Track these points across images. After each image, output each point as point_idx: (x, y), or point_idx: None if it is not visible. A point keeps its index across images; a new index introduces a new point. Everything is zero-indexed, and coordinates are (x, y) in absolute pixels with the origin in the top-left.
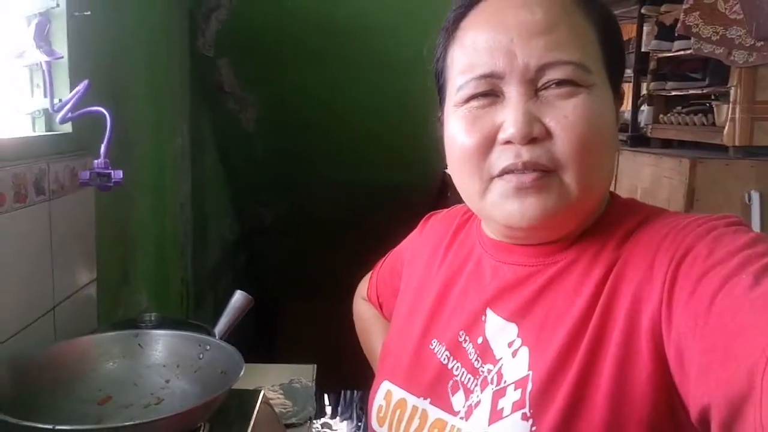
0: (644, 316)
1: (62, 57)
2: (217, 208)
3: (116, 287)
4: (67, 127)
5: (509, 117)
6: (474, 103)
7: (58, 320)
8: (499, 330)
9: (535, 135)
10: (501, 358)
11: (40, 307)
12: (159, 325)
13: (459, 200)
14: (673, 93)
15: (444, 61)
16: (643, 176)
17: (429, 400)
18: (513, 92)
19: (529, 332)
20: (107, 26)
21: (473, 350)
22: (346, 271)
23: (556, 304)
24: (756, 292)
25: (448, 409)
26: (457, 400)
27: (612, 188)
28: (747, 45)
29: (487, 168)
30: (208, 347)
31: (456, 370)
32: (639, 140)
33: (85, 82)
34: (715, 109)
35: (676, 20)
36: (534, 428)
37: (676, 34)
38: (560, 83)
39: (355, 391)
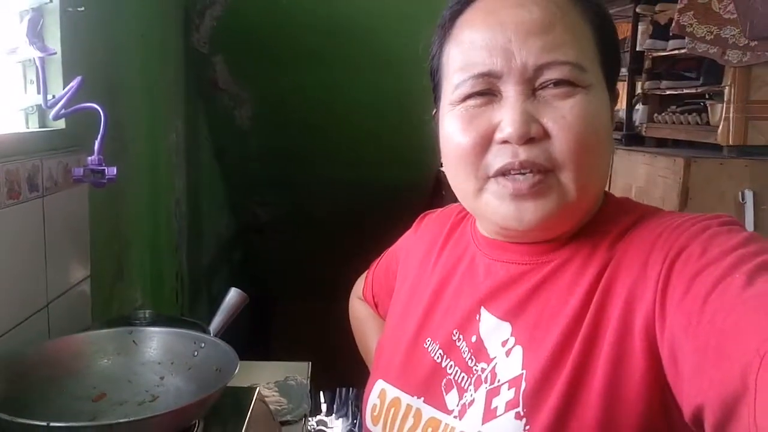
0: (638, 315)
1: (55, 53)
2: (212, 206)
3: (110, 284)
4: (61, 124)
5: (507, 116)
6: (471, 102)
7: (52, 317)
8: (492, 329)
9: (532, 135)
10: (495, 357)
11: (34, 304)
12: (153, 322)
13: (454, 199)
14: (668, 92)
15: (440, 58)
16: (637, 175)
17: (423, 398)
18: (510, 92)
19: (523, 331)
20: (101, 22)
21: (467, 349)
22: (343, 270)
23: (549, 303)
24: (749, 292)
25: (442, 407)
26: (451, 399)
27: (607, 187)
28: (741, 44)
29: (483, 167)
30: (202, 344)
31: (450, 368)
32: (634, 139)
33: (79, 78)
34: (709, 109)
35: (671, 19)
36: (527, 427)
37: (670, 34)
38: (558, 83)
39: (351, 389)
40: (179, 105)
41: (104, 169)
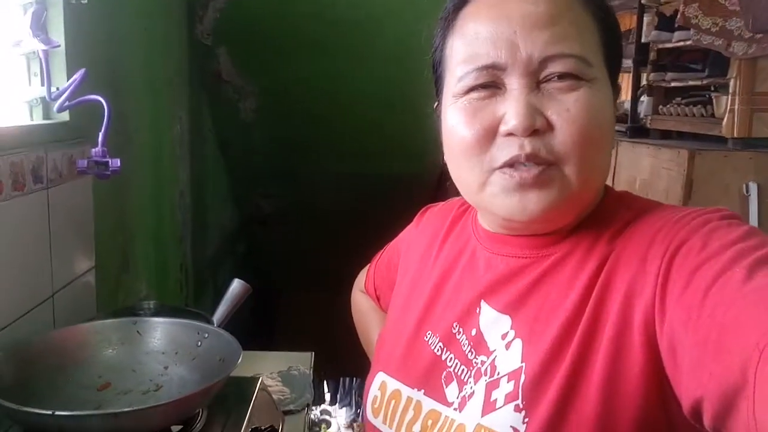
0: (637, 309)
1: (59, 45)
2: (216, 198)
3: (115, 275)
4: (65, 116)
5: (511, 109)
6: (474, 95)
7: (57, 308)
8: (492, 322)
9: (537, 127)
10: (494, 350)
11: (39, 295)
12: (158, 313)
13: (457, 191)
14: (673, 84)
15: (443, 50)
16: (641, 167)
17: (423, 391)
18: (515, 84)
19: (523, 324)
20: (104, 14)
21: (467, 342)
22: (346, 261)
23: (549, 297)
24: (749, 286)
25: (442, 400)
26: (451, 392)
27: (611, 179)
28: (746, 36)
29: (488, 160)
30: (206, 335)
31: (450, 361)
32: (638, 131)
33: (82, 70)
34: (714, 101)
35: (676, 11)
36: (527, 420)
37: (676, 25)
38: (562, 76)
39: (354, 379)
40: (183, 97)
41: (108, 161)
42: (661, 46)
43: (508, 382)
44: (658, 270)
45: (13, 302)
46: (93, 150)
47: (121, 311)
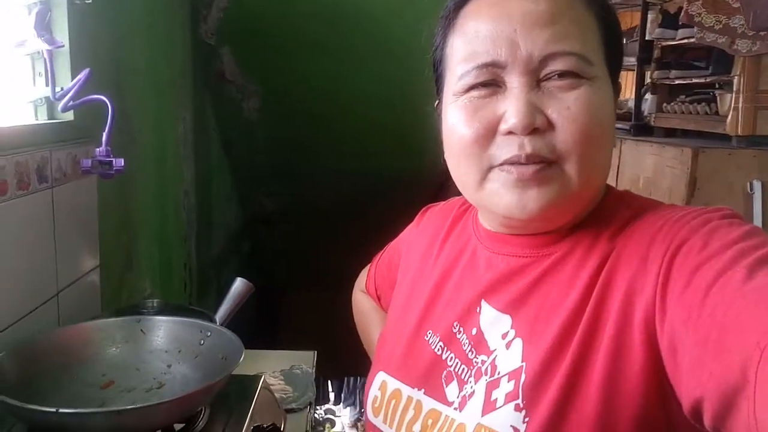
0: (638, 308)
1: (63, 45)
2: (221, 197)
3: (119, 273)
4: (69, 116)
5: (511, 107)
6: (474, 93)
7: (62, 306)
8: (493, 321)
9: (537, 125)
10: (495, 350)
11: (44, 293)
12: (161, 311)
13: (458, 191)
14: (677, 82)
15: (443, 49)
16: (645, 165)
17: (423, 390)
18: (515, 82)
19: (523, 324)
20: (108, 14)
21: (467, 341)
22: (348, 260)
23: (550, 296)
24: (750, 286)
25: (442, 399)
26: (451, 391)
27: (614, 177)
28: (750, 34)
29: (487, 159)
30: (209, 333)
31: (450, 360)
32: (642, 129)
33: (86, 70)
34: (718, 98)
35: (681, 8)
36: (527, 419)
37: (679, 23)
38: (563, 75)
39: (358, 378)
40: (187, 97)
41: (112, 161)
42: (665, 43)
43: (508, 382)
44: (658, 269)
45: (18, 301)
46: (97, 149)
47: (125, 310)
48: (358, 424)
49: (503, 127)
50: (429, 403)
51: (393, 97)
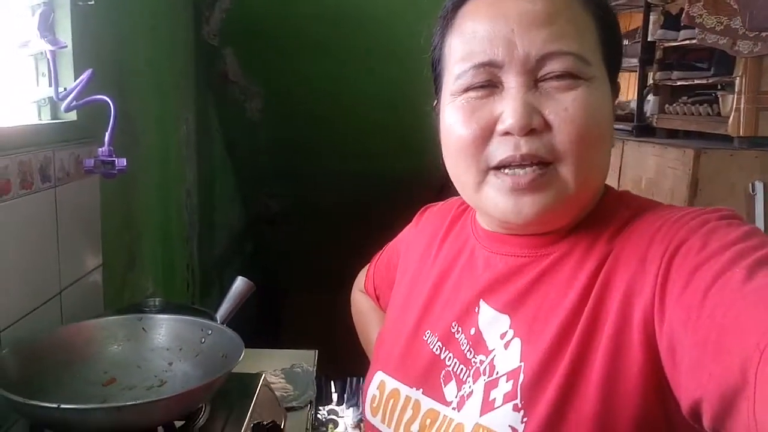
0: (636, 309)
1: (66, 46)
2: (224, 197)
3: (122, 273)
4: (72, 116)
5: (508, 108)
6: (472, 94)
7: (65, 305)
8: (491, 321)
9: (534, 126)
10: (493, 350)
11: (47, 292)
12: (163, 310)
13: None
14: (679, 83)
15: (441, 49)
16: (647, 166)
17: (421, 390)
18: (512, 83)
19: (522, 324)
20: (111, 15)
21: (466, 341)
22: (351, 261)
23: (548, 296)
24: (749, 287)
25: (441, 399)
26: (450, 391)
27: (616, 179)
28: (751, 35)
29: (484, 159)
30: (209, 331)
31: (448, 360)
32: (645, 130)
33: (89, 70)
34: (720, 99)
35: (682, 9)
36: (525, 419)
37: (681, 24)
38: (560, 76)
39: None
40: (189, 98)
41: (114, 161)
42: (667, 44)
43: (506, 382)
44: (657, 270)
45: (21, 299)
46: (100, 149)
47: (128, 309)
48: (361, 424)
49: (500, 127)
50: (427, 403)
51: (394, 98)
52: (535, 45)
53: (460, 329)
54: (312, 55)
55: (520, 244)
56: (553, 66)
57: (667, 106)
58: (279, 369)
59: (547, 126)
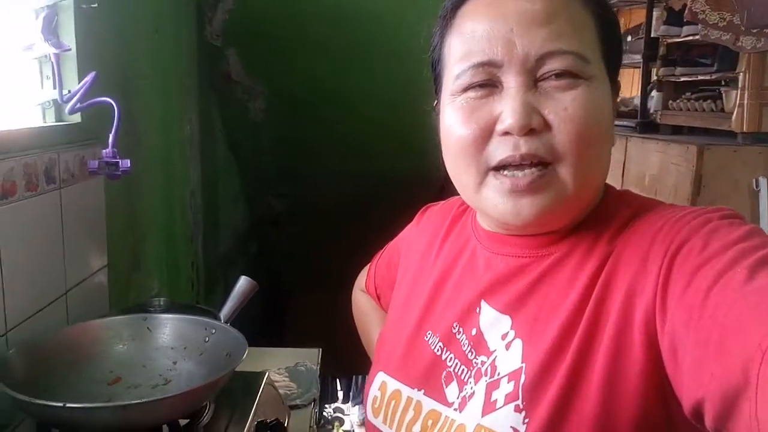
0: (638, 309)
1: (70, 49)
2: (228, 197)
3: (127, 274)
4: (77, 118)
5: (507, 107)
6: (471, 94)
7: (70, 305)
8: (492, 322)
9: (533, 126)
10: (495, 350)
11: (53, 293)
12: (167, 310)
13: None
14: (683, 79)
15: (441, 49)
16: (651, 163)
17: (423, 391)
18: (512, 82)
19: (523, 325)
20: (114, 17)
21: (467, 342)
22: (353, 261)
23: (549, 297)
24: (751, 287)
25: (442, 400)
26: (451, 392)
27: (620, 175)
28: (754, 31)
29: (483, 159)
30: (213, 331)
31: (449, 361)
32: (648, 126)
33: (93, 73)
34: (723, 95)
35: (685, 5)
36: (527, 420)
37: (684, 20)
38: (560, 75)
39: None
40: (193, 98)
41: (118, 162)
42: (670, 40)
43: (508, 383)
44: (659, 270)
45: (27, 300)
46: (104, 151)
47: (132, 308)
48: None
49: (499, 127)
50: (429, 404)
51: (395, 98)
52: (535, 44)
53: (461, 330)
54: (314, 55)
55: (521, 245)
56: (553, 65)
57: (670, 102)
58: (283, 367)
59: (547, 126)
